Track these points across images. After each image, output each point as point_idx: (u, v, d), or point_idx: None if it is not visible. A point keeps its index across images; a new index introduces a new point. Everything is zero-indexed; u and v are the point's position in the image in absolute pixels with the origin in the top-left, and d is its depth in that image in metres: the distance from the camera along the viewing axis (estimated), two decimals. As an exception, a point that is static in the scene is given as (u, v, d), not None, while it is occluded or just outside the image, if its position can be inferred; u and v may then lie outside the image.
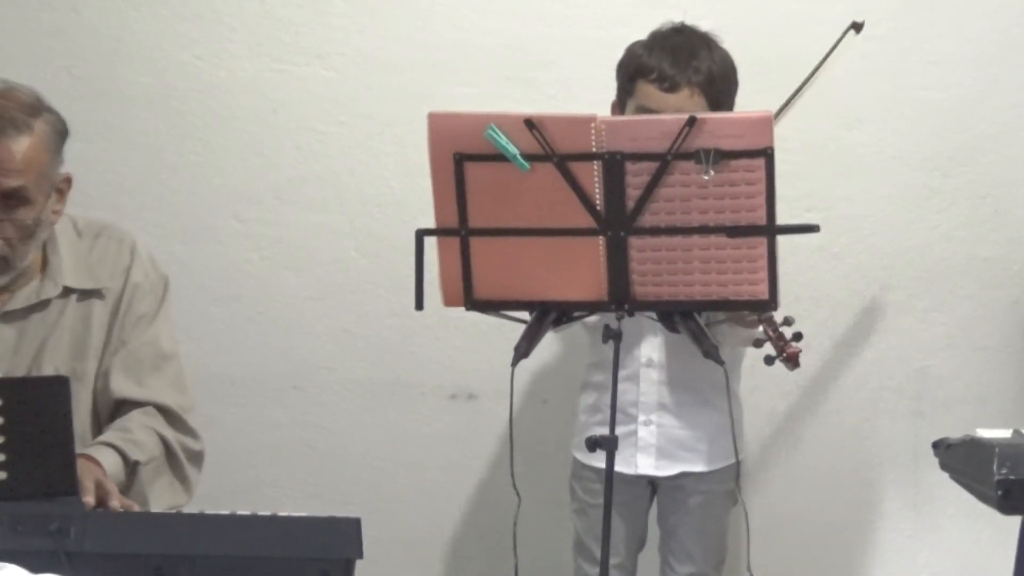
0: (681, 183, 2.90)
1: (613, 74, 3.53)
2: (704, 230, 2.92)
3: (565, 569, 3.75)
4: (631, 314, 3.04)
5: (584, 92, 3.98)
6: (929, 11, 4.13)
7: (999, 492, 3.06)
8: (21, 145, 3.01)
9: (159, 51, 4.20)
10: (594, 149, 2.90)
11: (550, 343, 4.08)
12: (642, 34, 3.54)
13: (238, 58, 4.20)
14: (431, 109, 2.96)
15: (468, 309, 3.05)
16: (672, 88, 3.42)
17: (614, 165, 2.90)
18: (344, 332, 4.23)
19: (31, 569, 2.02)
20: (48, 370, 3.11)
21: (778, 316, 3.24)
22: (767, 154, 2.86)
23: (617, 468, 3.10)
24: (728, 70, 3.49)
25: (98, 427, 3.18)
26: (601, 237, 2.95)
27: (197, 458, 3.23)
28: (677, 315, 3.05)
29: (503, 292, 3.03)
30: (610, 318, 3.05)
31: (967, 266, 4.18)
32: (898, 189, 4.17)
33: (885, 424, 4.20)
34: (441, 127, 2.95)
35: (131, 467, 3.07)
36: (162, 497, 3.13)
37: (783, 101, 3.58)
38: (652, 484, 3.64)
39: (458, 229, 2.98)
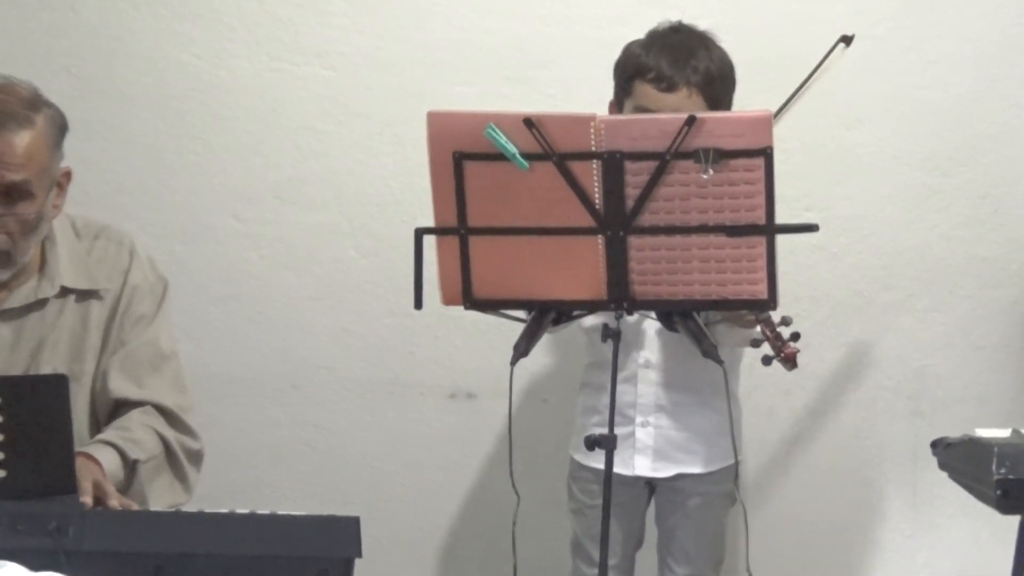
0: (680, 182, 2.90)
1: (612, 73, 3.53)
2: (703, 229, 2.92)
3: (564, 568, 3.75)
4: (630, 313, 3.04)
5: (583, 91, 3.98)
6: (928, 11, 4.13)
7: (998, 491, 3.07)
8: (23, 139, 3.01)
9: (158, 51, 4.20)
10: (593, 148, 2.89)
11: (549, 342, 4.09)
12: (641, 33, 3.54)
13: (237, 57, 4.20)
14: (430, 108, 2.96)
15: (467, 308, 3.05)
16: (670, 88, 3.42)
17: (613, 164, 2.89)
18: (343, 331, 4.23)
19: (30, 568, 2.02)
20: (46, 370, 3.11)
21: (776, 316, 3.24)
22: (766, 153, 2.85)
23: (615, 469, 3.09)
24: (726, 70, 3.48)
25: (96, 428, 3.17)
26: (600, 236, 2.95)
27: (196, 457, 3.23)
28: (676, 314, 3.05)
29: (502, 291, 3.03)
30: (609, 317, 3.05)
31: (966, 266, 4.18)
32: (897, 189, 4.17)
33: (884, 424, 4.20)
34: (440, 126, 2.95)
35: (130, 466, 3.07)
36: (161, 496, 3.12)
37: (775, 108, 3.57)
38: (650, 485, 3.64)
39: (457, 228, 2.98)
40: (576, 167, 2.91)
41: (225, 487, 3.94)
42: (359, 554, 2.69)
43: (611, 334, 3.02)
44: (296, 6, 4.19)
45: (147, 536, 2.69)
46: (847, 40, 3.61)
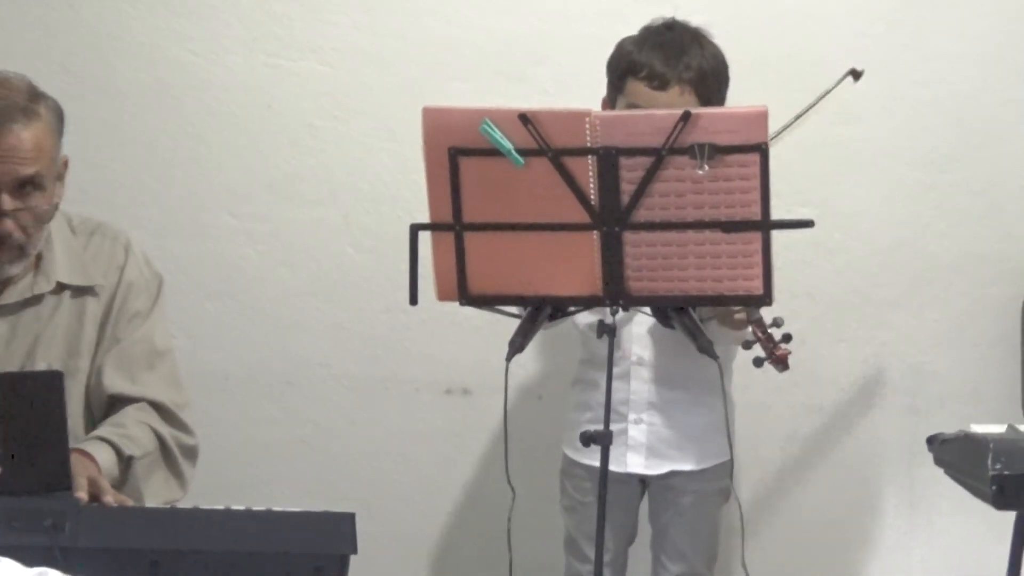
0: (675, 178, 2.90)
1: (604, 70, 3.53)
2: (698, 225, 2.92)
3: (560, 564, 3.75)
4: (626, 309, 3.04)
5: (578, 88, 3.98)
6: (925, 8, 4.13)
7: (993, 487, 3.07)
8: (31, 132, 3.02)
9: (154, 47, 4.20)
10: (588, 144, 2.89)
11: (544, 339, 4.08)
12: (636, 30, 3.54)
13: (233, 53, 4.20)
14: (426, 104, 2.96)
15: (462, 304, 3.05)
16: (662, 86, 3.41)
17: (608, 160, 2.89)
18: (338, 328, 4.23)
19: (25, 564, 2.02)
20: (41, 366, 3.11)
21: (768, 317, 3.23)
22: (761, 149, 2.85)
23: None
24: (719, 67, 3.47)
25: (91, 424, 3.17)
26: (595, 232, 2.94)
27: (191, 453, 3.23)
28: (672, 310, 3.05)
29: (497, 287, 3.03)
30: (604, 314, 3.05)
31: (962, 262, 4.18)
32: (893, 185, 4.17)
33: (880, 420, 4.20)
34: (436, 122, 2.94)
35: (125, 462, 3.07)
36: (157, 492, 3.12)
37: (773, 133, 3.54)
38: (642, 482, 3.63)
39: (452, 224, 2.98)
40: (571, 163, 2.90)
41: (220, 483, 3.93)
42: (354, 550, 2.69)
43: (607, 330, 3.02)
44: (292, 2, 4.19)
45: (143, 532, 2.69)
46: (856, 74, 3.58)
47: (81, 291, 3.19)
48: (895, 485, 4.20)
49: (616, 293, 2.98)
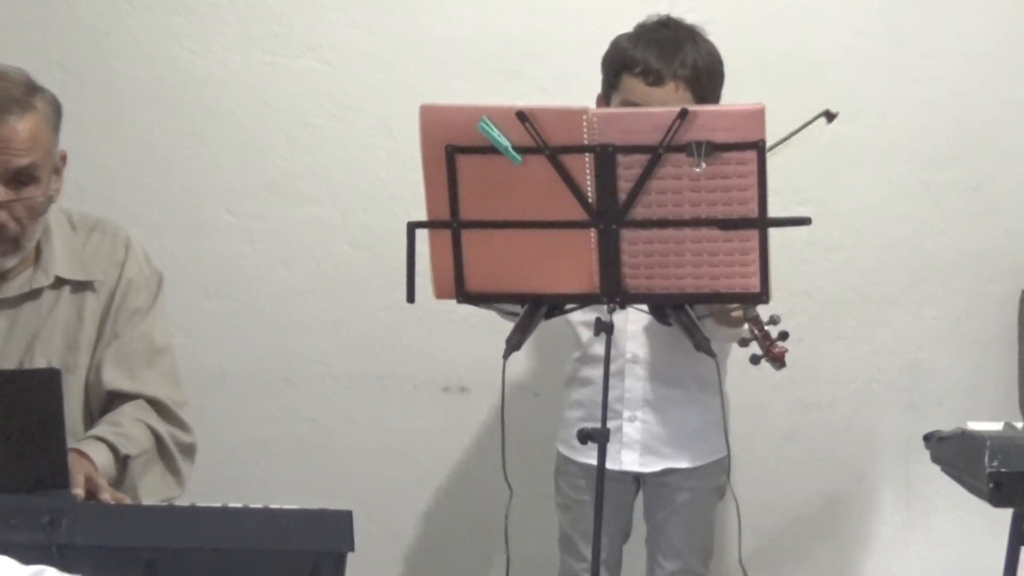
0: (673, 176, 2.90)
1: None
2: (696, 223, 2.92)
3: (556, 561, 3.74)
4: (623, 306, 3.04)
5: (575, 86, 3.97)
6: (922, 5, 4.13)
7: (990, 485, 3.07)
8: (26, 123, 3.02)
9: (151, 44, 4.20)
10: (586, 141, 2.89)
11: (541, 336, 4.08)
12: (632, 27, 3.54)
13: (230, 51, 4.20)
14: (423, 102, 2.96)
15: (460, 302, 3.05)
16: (657, 82, 3.41)
17: (606, 157, 2.89)
18: (336, 325, 4.23)
19: (22, 562, 2.02)
20: (40, 361, 3.11)
21: (764, 315, 3.23)
22: (759, 147, 2.85)
23: (602, 465, 3.09)
24: (714, 64, 3.47)
25: (90, 420, 3.17)
26: (593, 230, 2.94)
27: (189, 450, 3.22)
28: (669, 308, 3.05)
29: (495, 285, 3.03)
30: (600, 311, 3.05)
31: (959, 259, 4.18)
32: (891, 183, 4.17)
33: (877, 417, 4.20)
34: (433, 119, 2.94)
35: (122, 461, 3.07)
36: (154, 490, 3.12)
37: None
38: (637, 479, 3.63)
39: (450, 222, 2.98)
40: (568, 160, 2.91)
41: (218, 481, 3.94)
42: (352, 548, 2.68)
43: (604, 327, 3.02)
44: (290, 0, 4.18)
45: (140, 530, 2.69)
46: (830, 117, 3.55)
47: (80, 287, 3.19)
48: (892, 482, 4.20)
49: (613, 291, 2.98)
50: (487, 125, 2.90)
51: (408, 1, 4.17)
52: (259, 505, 2.75)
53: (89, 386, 3.18)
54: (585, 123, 2.88)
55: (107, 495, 2.86)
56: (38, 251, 3.15)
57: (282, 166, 4.21)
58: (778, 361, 3.24)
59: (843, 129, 4.11)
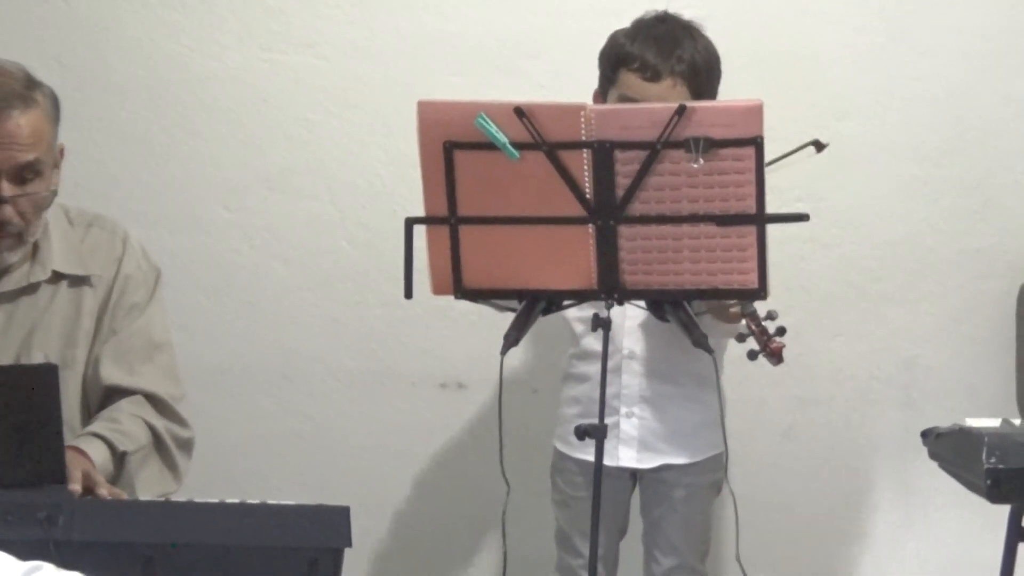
0: (671, 172, 2.90)
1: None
2: (694, 219, 2.92)
3: (553, 557, 3.74)
4: (621, 303, 3.04)
5: (573, 82, 3.96)
6: (921, 3, 4.13)
7: (988, 481, 3.07)
8: (29, 118, 3.01)
9: (149, 41, 4.20)
10: (584, 138, 2.89)
11: (539, 332, 4.08)
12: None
13: (228, 48, 4.19)
14: (421, 98, 2.96)
15: (457, 298, 3.05)
16: (654, 77, 3.40)
17: (604, 154, 2.89)
18: (334, 322, 4.23)
19: (19, 557, 2.02)
20: (37, 356, 3.11)
21: (762, 310, 3.23)
22: (757, 143, 2.85)
23: (598, 461, 3.09)
24: (711, 60, 3.46)
25: (87, 415, 3.17)
26: (591, 226, 2.94)
27: (186, 446, 3.22)
28: (667, 304, 3.04)
29: (492, 281, 3.03)
30: (598, 307, 3.05)
31: (957, 257, 4.18)
32: (888, 180, 4.17)
33: (875, 414, 4.20)
34: (431, 115, 2.94)
35: (119, 458, 3.06)
36: (151, 485, 3.12)
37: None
38: (633, 476, 3.63)
39: (448, 218, 2.98)
40: (566, 157, 2.90)
41: (215, 477, 3.94)
42: (349, 544, 2.68)
43: (602, 323, 3.02)
44: (287, -4, 4.19)
45: (137, 526, 2.69)
46: (819, 147, 3.53)
47: (78, 281, 3.18)
48: (890, 479, 4.21)
49: (611, 287, 2.98)
50: (485, 121, 2.90)
51: (406, -2, 4.18)
52: (256, 501, 2.75)
53: (87, 381, 3.17)
54: (583, 119, 2.88)
55: (104, 491, 2.86)
56: (35, 246, 3.15)
57: (280, 163, 4.21)
58: (776, 357, 3.24)
59: (841, 126, 4.13)
